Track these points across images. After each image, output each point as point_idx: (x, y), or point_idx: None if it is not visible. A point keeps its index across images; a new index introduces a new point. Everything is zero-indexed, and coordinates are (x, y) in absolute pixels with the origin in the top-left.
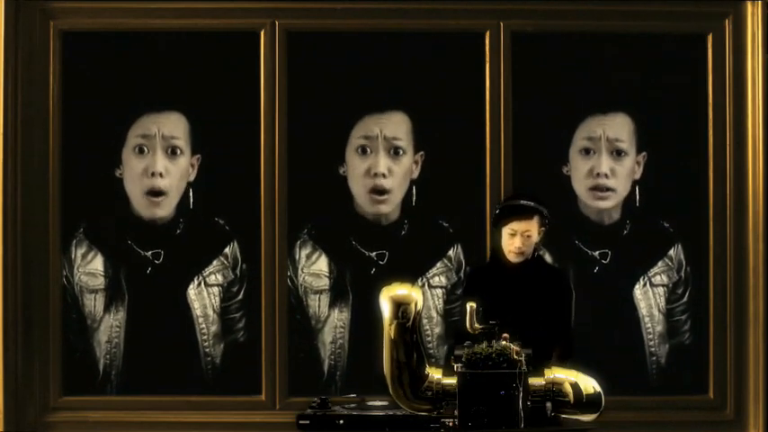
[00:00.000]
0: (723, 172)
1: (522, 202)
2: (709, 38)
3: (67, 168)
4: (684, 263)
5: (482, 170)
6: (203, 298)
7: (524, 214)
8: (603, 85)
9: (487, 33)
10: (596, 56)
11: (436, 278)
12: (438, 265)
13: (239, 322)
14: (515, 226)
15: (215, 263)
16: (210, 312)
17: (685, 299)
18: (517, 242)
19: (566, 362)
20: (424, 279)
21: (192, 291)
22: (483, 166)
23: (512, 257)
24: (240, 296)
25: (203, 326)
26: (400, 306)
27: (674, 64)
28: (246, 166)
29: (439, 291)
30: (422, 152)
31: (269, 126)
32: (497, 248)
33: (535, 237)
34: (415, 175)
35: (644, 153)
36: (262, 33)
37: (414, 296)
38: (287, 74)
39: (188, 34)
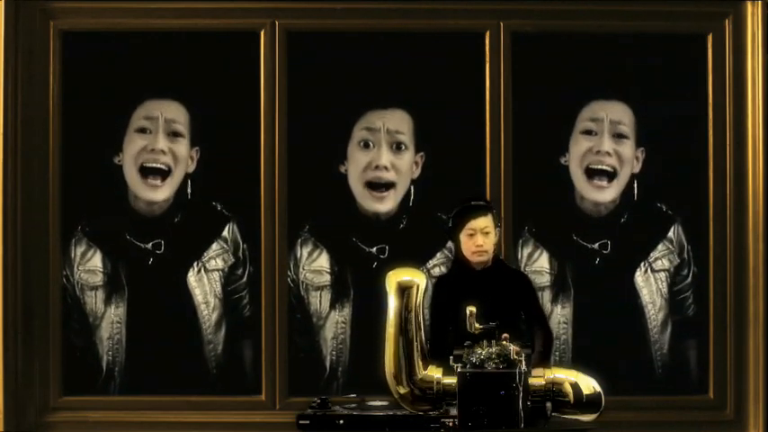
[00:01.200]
0: (723, 172)
1: (472, 202)
2: (709, 38)
3: (67, 168)
4: (686, 244)
5: (482, 170)
6: (203, 285)
7: (479, 211)
8: (603, 84)
9: (487, 33)
10: (596, 56)
11: (437, 269)
12: (438, 255)
13: (240, 325)
14: (473, 224)
15: (217, 261)
16: (211, 311)
17: (689, 279)
18: (479, 240)
19: (550, 352)
20: (424, 269)
21: (192, 277)
22: (483, 166)
23: (476, 258)
24: (245, 298)
25: (206, 321)
26: (405, 291)
27: (674, 64)
28: (246, 166)
29: None
30: (422, 153)
31: (269, 126)
32: (459, 257)
33: (493, 234)
34: (416, 175)
35: (642, 148)
36: (262, 33)
37: (416, 281)
38: (287, 74)
39: (188, 34)
